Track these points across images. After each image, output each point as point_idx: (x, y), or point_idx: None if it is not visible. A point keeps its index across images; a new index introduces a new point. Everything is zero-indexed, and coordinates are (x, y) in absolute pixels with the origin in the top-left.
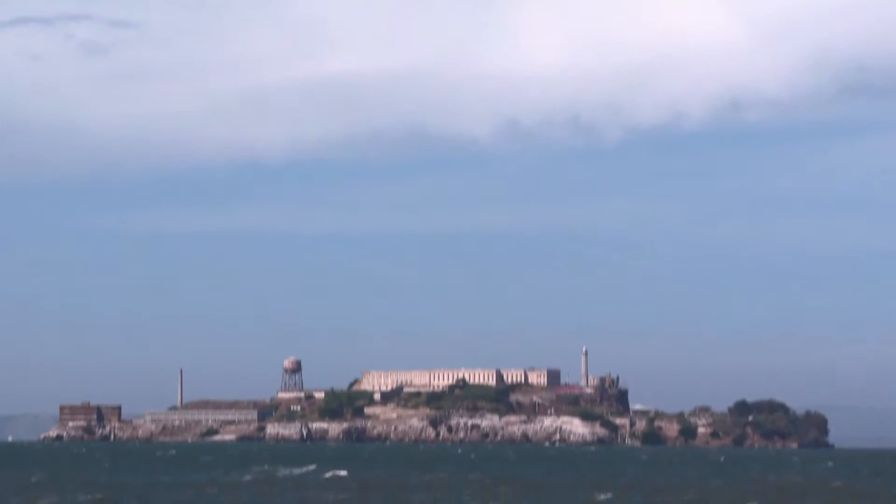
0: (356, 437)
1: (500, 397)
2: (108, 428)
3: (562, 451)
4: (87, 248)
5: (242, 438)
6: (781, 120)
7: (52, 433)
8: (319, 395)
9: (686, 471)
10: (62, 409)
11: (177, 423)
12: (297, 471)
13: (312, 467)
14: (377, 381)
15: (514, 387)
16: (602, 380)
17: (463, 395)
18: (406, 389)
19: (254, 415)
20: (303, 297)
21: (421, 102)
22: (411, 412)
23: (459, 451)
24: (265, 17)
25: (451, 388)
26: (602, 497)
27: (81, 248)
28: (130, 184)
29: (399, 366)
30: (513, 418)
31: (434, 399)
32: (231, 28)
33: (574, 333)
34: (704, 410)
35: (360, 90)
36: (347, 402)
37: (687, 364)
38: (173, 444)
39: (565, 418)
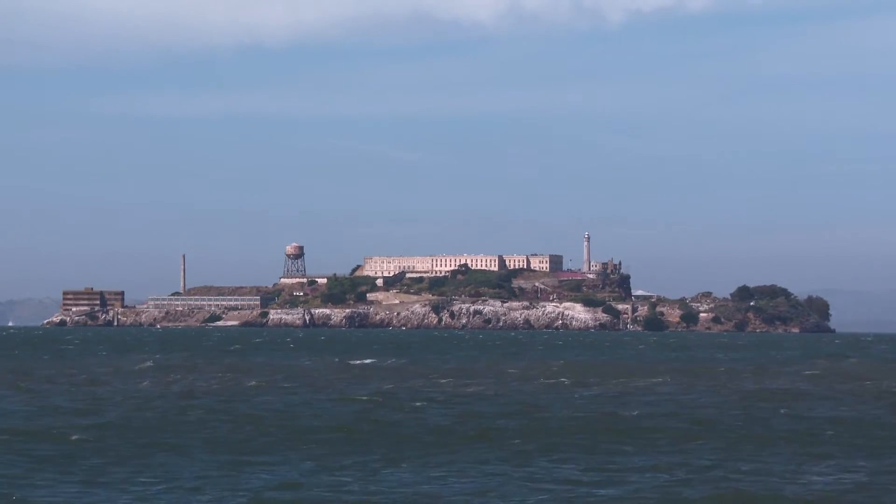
0: (358, 322)
1: (503, 283)
2: (111, 313)
3: (586, 337)
4: (88, 133)
5: (245, 324)
6: (787, 1)
7: (56, 318)
8: (322, 280)
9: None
10: (65, 294)
11: (179, 308)
12: (357, 361)
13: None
14: (379, 267)
15: (517, 272)
16: (604, 265)
17: (465, 281)
18: (408, 275)
19: (256, 300)
20: (305, 182)
21: None
22: (413, 298)
23: (468, 337)
24: None
25: (454, 273)
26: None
27: (83, 133)
28: (131, 67)
29: (401, 251)
30: (515, 304)
31: (436, 284)
32: None
33: (577, 219)
34: (706, 296)
35: None
36: (350, 288)
37: (689, 250)
38: (216, 331)
39: (567, 304)
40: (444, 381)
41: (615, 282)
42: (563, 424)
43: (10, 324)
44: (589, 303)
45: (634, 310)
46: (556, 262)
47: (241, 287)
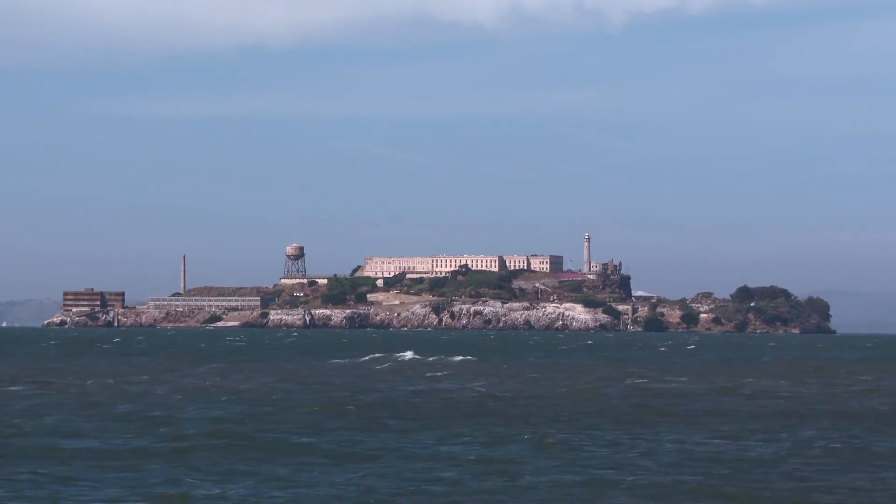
0: (359, 323)
1: (503, 283)
2: (111, 314)
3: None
4: (90, 135)
5: (246, 325)
6: (787, 2)
7: (56, 319)
8: (322, 281)
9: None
10: (66, 294)
11: (180, 309)
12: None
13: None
14: (380, 268)
15: (517, 273)
16: (605, 266)
17: (465, 282)
18: (408, 275)
19: (257, 301)
20: (305, 183)
21: None
22: (414, 298)
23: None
24: None
25: (454, 273)
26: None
27: (85, 135)
28: (132, 68)
29: (401, 252)
30: (515, 305)
31: (437, 285)
32: None
33: (577, 220)
34: (706, 296)
35: None
36: (350, 289)
37: (689, 250)
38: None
39: (568, 305)
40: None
41: (615, 282)
42: None
43: (4, 324)
44: (589, 303)
45: (635, 310)
46: (556, 262)
47: (242, 287)
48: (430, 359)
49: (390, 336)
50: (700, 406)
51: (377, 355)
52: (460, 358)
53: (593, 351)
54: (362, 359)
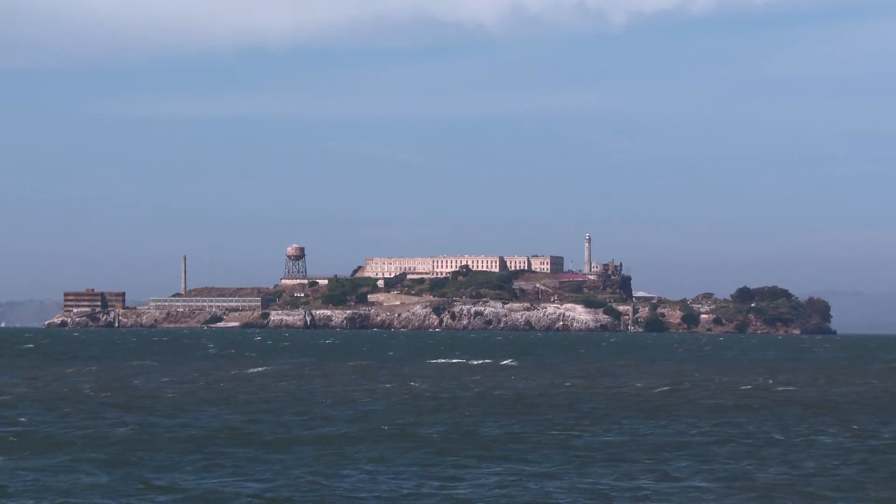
0: (359, 324)
1: (504, 284)
2: (112, 314)
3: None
4: (90, 135)
5: (246, 325)
6: (788, 3)
7: (57, 319)
8: (323, 282)
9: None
10: (66, 295)
11: (181, 309)
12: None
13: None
14: (380, 268)
15: (518, 273)
16: (605, 266)
17: (466, 282)
18: (409, 276)
19: (257, 301)
20: (306, 183)
21: None
22: (415, 299)
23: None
24: None
25: (455, 274)
26: None
27: (85, 135)
28: (134, 69)
29: (402, 252)
30: (516, 305)
31: (437, 285)
32: None
33: (578, 220)
34: (707, 297)
35: None
36: (351, 289)
37: (690, 251)
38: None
39: (568, 305)
40: None
41: (616, 283)
42: None
43: (2, 325)
44: (590, 304)
45: (635, 311)
46: (556, 263)
47: (242, 288)
48: (504, 362)
49: (418, 338)
50: None
51: (489, 361)
52: (510, 362)
53: (658, 351)
54: (473, 361)
